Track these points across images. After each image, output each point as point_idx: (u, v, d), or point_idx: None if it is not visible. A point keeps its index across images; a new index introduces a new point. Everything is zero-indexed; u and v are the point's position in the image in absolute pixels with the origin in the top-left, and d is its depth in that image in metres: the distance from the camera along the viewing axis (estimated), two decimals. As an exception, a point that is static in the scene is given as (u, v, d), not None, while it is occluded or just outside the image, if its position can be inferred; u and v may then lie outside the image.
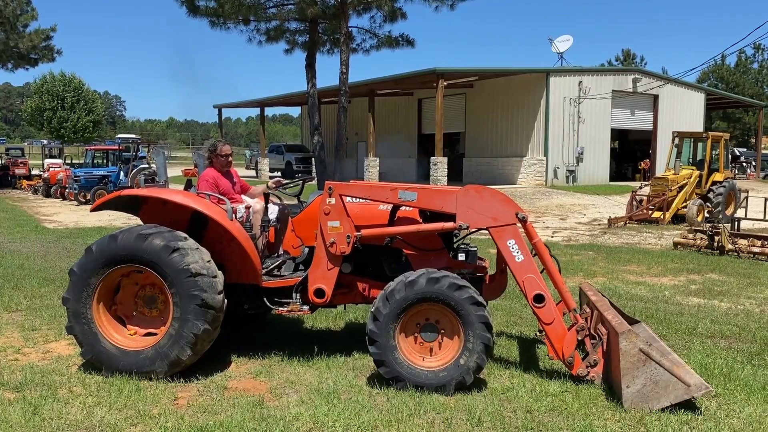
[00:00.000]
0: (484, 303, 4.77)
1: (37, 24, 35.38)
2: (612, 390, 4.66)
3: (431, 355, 4.84)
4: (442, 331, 4.83)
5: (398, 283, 4.81)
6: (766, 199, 15.41)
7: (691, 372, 4.39)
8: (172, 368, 4.94)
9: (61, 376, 5.09)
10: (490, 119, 30.52)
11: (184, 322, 4.87)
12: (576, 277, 9.32)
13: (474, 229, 5.19)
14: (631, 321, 5.04)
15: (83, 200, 23.51)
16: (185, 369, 5.03)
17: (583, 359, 4.98)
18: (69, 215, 19.88)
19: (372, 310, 4.83)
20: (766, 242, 11.46)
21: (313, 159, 28.55)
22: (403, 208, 5.49)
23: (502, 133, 29.98)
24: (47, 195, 27.49)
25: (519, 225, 5.04)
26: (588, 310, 5.60)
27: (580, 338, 4.99)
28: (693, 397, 4.35)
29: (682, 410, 4.32)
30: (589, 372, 4.91)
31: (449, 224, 5.11)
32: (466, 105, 31.93)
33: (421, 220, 5.49)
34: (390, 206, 5.49)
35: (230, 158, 6.10)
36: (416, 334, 4.87)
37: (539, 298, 4.91)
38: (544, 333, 5.01)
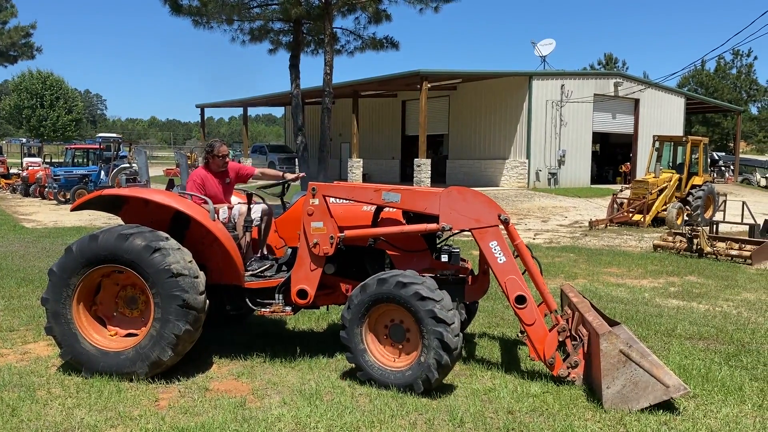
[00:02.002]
0: (435, 297, 4.61)
1: (17, 21, 35.01)
2: (592, 391, 4.70)
3: (400, 356, 4.87)
4: (408, 330, 4.83)
5: (356, 288, 4.90)
6: (743, 203, 15.64)
7: (670, 373, 4.44)
8: (152, 369, 4.90)
9: (40, 377, 5.03)
10: (473, 121, 30.67)
11: (165, 323, 4.83)
12: (557, 279, 9.39)
13: (457, 231, 5.21)
14: (612, 323, 5.09)
15: (63, 200, 23.22)
16: (166, 370, 4.99)
17: (564, 360, 5.03)
18: (48, 215, 19.62)
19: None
20: (743, 245, 11.64)
21: (296, 160, 28.43)
22: (386, 209, 5.50)
23: (485, 136, 30.13)
24: (26, 194, 27.11)
25: (501, 227, 5.08)
26: (569, 311, 5.64)
27: (561, 339, 5.04)
28: (672, 398, 4.40)
29: (661, 411, 4.37)
30: (569, 373, 4.95)
31: (432, 225, 5.13)
32: (449, 107, 32.05)
33: (404, 222, 5.50)
34: (373, 207, 5.49)
35: (227, 159, 6.08)
36: (386, 336, 4.90)
37: (521, 299, 4.95)
38: (525, 334, 5.04)
